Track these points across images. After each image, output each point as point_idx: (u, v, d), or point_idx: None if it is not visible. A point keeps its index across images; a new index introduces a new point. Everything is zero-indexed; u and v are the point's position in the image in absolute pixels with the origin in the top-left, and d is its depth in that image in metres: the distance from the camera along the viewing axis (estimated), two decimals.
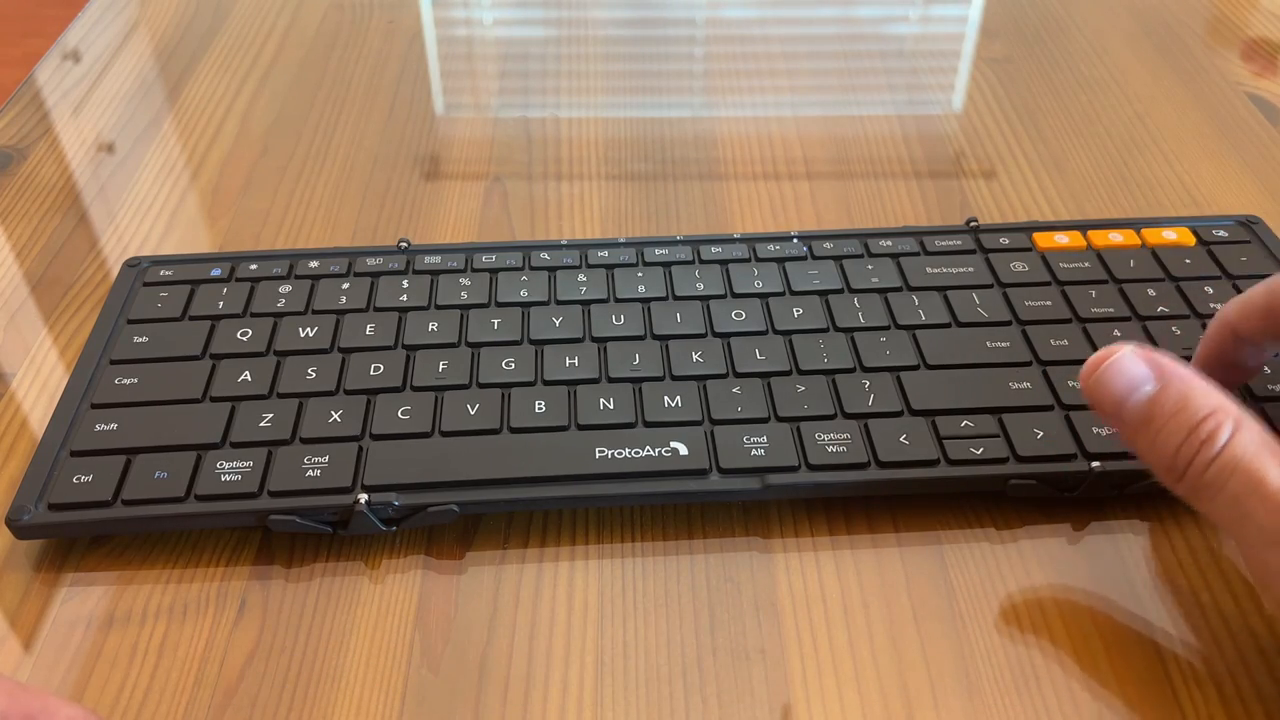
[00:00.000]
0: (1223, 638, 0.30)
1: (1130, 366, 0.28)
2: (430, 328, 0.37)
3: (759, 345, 0.36)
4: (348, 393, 0.35)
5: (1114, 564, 0.32)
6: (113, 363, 0.36)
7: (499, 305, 0.38)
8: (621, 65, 0.58)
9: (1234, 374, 0.33)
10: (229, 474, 0.32)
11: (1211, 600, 0.31)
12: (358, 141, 0.51)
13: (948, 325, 0.37)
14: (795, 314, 0.38)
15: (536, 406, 0.34)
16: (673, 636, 0.30)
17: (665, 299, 0.38)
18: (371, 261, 0.40)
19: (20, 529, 0.31)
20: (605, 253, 0.41)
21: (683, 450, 0.33)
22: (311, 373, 0.35)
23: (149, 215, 0.46)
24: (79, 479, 0.32)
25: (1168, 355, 0.28)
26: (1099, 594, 0.31)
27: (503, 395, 0.35)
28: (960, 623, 0.30)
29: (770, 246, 0.41)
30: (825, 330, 0.37)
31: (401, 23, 0.61)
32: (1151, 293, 0.38)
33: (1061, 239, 0.41)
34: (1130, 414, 0.28)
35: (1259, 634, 0.30)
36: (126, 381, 0.35)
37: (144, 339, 0.37)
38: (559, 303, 0.38)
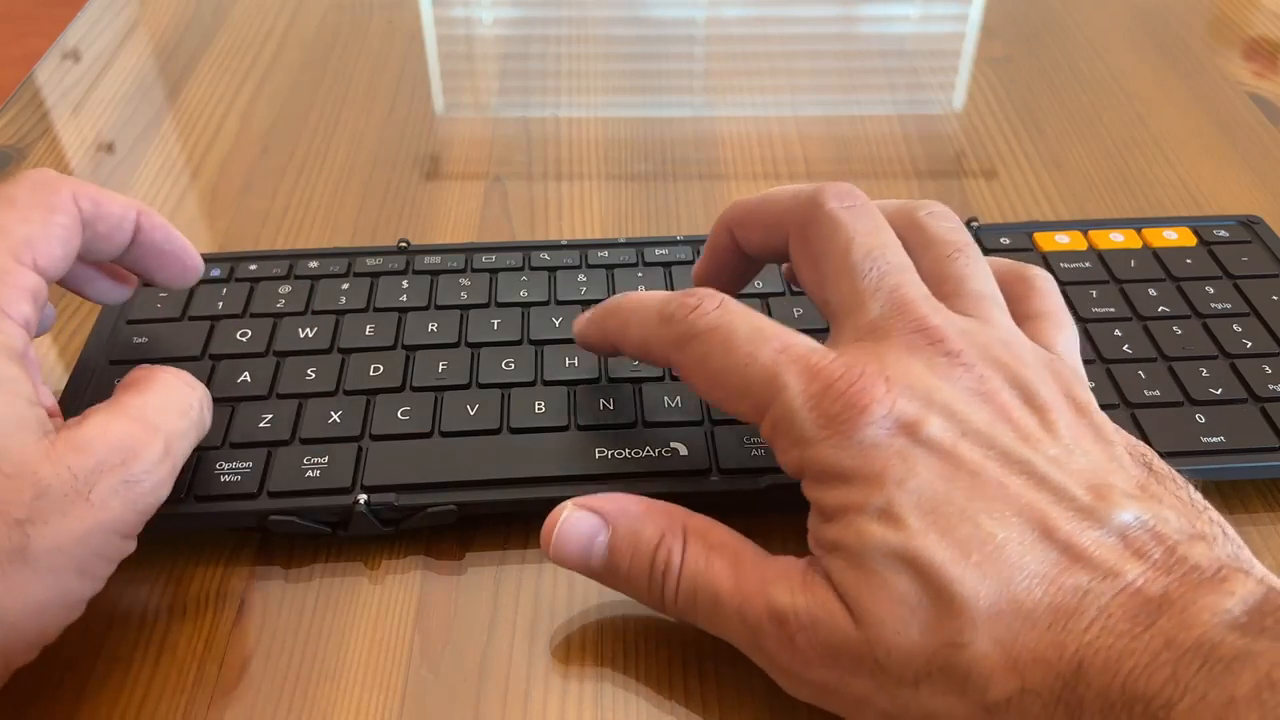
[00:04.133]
0: None
1: (578, 523, 0.27)
2: (430, 328, 0.37)
3: None
4: (347, 393, 0.35)
5: None
6: (112, 363, 0.36)
7: (499, 305, 0.38)
8: (621, 65, 0.58)
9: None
10: (228, 474, 0.32)
11: None
12: (358, 141, 0.51)
13: None
14: (795, 314, 0.38)
15: (536, 406, 0.34)
16: (673, 636, 0.30)
17: None
18: (371, 261, 0.40)
19: None
20: (605, 253, 0.41)
21: (683, 450, 0.33)
22: (311, 373, 0.35)
23: None
24: None
25: (609, 495, 0.28)
26: None
27: (503, 395, 0.35)
28: None
29: None
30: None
31: (401, 23, 0.61)
32: (1152, 293, 0.38)
33: (1062, 239, 0.41)
34: (599, 572, 0.28)
35: None
36: None
37: (144, 339, 0.37)
38: (559, 303, 0.38)
